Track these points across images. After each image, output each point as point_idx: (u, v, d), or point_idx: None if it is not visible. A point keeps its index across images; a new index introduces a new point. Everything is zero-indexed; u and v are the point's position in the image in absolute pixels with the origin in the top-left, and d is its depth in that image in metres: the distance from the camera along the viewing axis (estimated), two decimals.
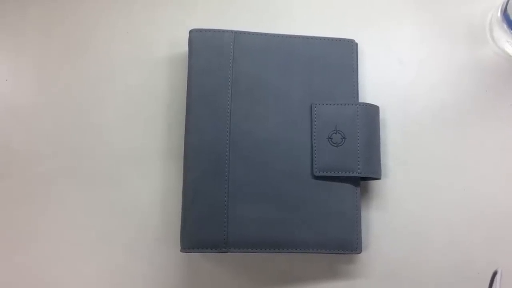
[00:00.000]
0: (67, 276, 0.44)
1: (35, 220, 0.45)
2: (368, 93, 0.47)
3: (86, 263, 0.44)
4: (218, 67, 0.43)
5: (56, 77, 0.48)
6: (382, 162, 0.44)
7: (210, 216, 0.40)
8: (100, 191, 0.45)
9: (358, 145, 0.42)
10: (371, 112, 0.43)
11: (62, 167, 0.46)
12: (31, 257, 0.44)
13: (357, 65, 0.45)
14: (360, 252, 0.41)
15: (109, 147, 0.46)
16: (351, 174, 0.42)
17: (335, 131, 0.42)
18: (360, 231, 0.42)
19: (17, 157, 0.46)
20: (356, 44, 0.46)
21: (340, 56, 0.45)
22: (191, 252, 0.41)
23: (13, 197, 0.45)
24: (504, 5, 0.45)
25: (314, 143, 0.42)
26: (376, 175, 0.43)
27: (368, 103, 0.44)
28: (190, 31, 0.44)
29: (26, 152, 0.46)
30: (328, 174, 0.42)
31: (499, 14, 0.46)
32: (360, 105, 0.43)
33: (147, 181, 0.45)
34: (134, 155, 0.46)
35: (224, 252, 0.40)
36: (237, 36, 0.44)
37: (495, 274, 0.40)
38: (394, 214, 0.45)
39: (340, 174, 0.42)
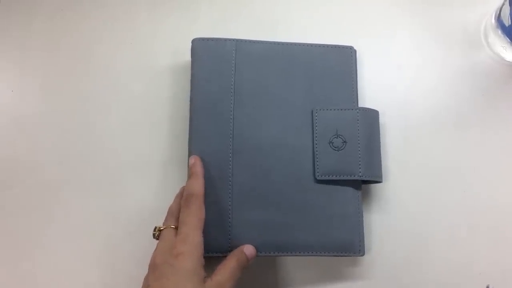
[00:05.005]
0: (71, 284, 0.44)
1: (39, 228, 0.45)
2: (368, 98, 0.48)
3: (90, 270, 0.44)
4: (221, 75, 0.44)
5: (60, 87, 0.48)
6: (382, 165, 0.44)
7: (214, 221, 0.41)
8: (104, 199, 0.46)
9: (359, 149, 0.42)
10: (371, 117, 0.44)
11: (67, 176, 0.46)
12: (36, 265, 0.44)
13: (356, 71, 0.46)
14: (363, 255, 0.42)
15: (114, 155, 0.47)
16: (353, 178, 0.42)
17: (336, 136, 0.43)
18: (362, 234, 0.42)
19: (22, 166, 0.47)
20: (355, 51, 0.47)
21: (339, 63, 0.45)
22: None
23: (18, 205, 0.46)
24: (498, 11, 0.46)
25: (316, 147, 0.43)
26: (377, 178, 0.43)
27: (368, 108, 0.44)
28: (193, 40, 0.45)
29: (31, 161, 0.47)
30: (330, 178, 0.42)
31: (493, 20, 0.47)
32: (360, 109, 0.44)
33: (151, 188, 0.46)
34: (138, 163, 0.46)
35: None
36: (239, 44, 0.45)
37: None
38: (395, 216, 0.45)
39: (341, 177, 0.42)
